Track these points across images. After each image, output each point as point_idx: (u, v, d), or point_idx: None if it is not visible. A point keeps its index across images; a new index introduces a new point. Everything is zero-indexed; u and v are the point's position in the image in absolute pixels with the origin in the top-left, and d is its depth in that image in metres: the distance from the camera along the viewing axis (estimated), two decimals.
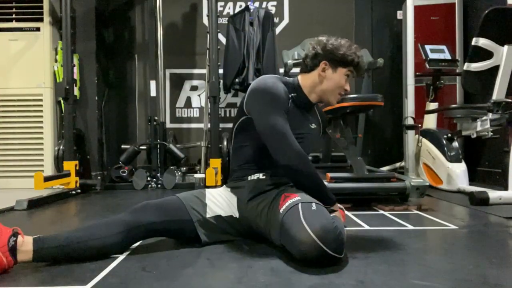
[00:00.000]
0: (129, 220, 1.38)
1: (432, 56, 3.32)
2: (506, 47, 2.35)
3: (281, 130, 1.41)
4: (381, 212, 2.25)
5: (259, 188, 1.51)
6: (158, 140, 3.62)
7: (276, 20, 3.99)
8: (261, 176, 1.52)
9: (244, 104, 1.52)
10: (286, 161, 1.41)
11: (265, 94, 1.46)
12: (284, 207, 1.33)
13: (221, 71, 3.55)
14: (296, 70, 3.49)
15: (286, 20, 4.08)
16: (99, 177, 3.52)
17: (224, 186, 1.63)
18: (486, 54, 2.42)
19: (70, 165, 3.06)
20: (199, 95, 4.13)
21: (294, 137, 1.43)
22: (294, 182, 1.48)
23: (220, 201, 1.54)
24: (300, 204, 1.30)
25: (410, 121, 3.48)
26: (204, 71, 3.87)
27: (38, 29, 3.41)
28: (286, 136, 1.41)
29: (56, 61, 3.43)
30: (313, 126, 1.63)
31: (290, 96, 1.54)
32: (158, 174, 3.59)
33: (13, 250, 1.23)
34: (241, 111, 1.55)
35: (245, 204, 1.52)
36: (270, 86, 1.47)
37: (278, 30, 4.02)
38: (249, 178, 1.54)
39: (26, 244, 1.25)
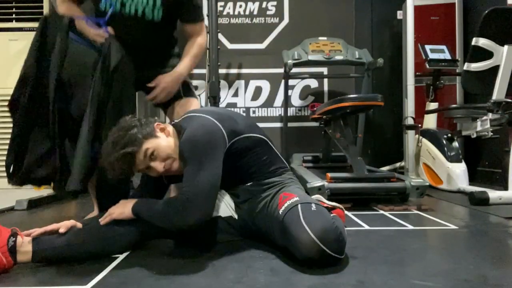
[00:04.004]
0: (129, 222, 1.38)
1: (432, 56, 3.32)
2: (506, 47, 2.35)
3: None
4: (381, 212, 2.25)
5: (251, 192, 1.51)
6: None
7: (276, 20, 4.00)
8: (248, 184, 1.52)
9: None
10: None
11: None
12: (283, 207, 1.33)
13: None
14: (296, 70, 3.50)
15: (286, 20, 4.07)
16: None
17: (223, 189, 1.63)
18: (486, 54, 2.41)
19: None
20: (199, 95, 4.12)
21: None
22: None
23: (218, 203, 1.53)
24: (299, 205, 1.29)
25: (410, 121, 3.48)
26: (204, 71, 3.86)
27: None
28: None
29: None
30: None
31: None
32: None
33: (12, 250, 1.23)
34: None
35: (242, 206, 1.52)
36: None
37: (278, 30, 4.02)
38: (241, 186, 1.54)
39: (25, 245, 1.26)
